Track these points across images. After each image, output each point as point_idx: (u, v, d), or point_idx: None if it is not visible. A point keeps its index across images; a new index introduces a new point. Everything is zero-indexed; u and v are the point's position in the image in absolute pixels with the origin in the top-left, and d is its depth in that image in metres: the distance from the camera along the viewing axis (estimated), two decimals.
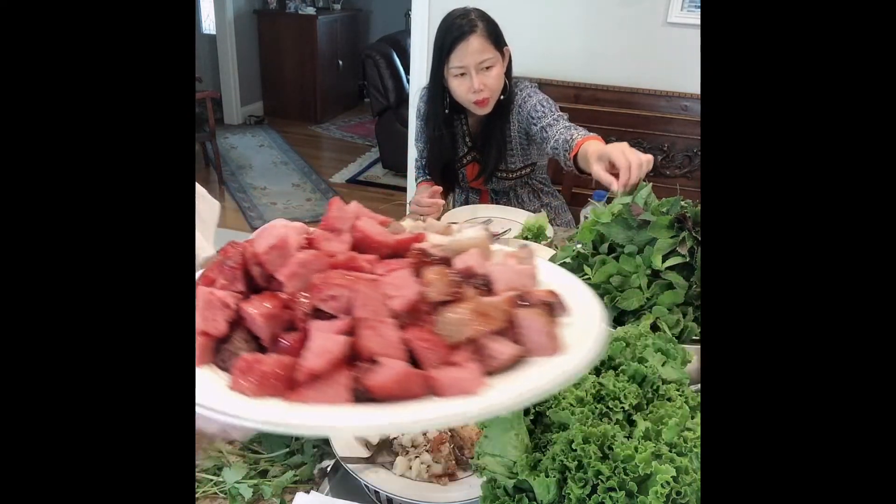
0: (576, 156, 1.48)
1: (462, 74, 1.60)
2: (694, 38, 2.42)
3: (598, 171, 1.30)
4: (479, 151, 1.80)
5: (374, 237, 0.47)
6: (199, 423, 0.39)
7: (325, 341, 0.38)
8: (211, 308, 0.42)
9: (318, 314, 0.41)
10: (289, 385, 0.38)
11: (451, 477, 0.82)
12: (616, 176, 1.26)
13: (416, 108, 1.86)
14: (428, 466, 0.82)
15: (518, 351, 0.42)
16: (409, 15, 3.08)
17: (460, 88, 1.63)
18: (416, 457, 0.83)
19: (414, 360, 0.39)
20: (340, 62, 6.02)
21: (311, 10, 5.64)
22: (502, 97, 1.68)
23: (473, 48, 1.56)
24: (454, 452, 0.84)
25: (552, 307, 0.45)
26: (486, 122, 1.75)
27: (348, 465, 0.80)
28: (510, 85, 1.70)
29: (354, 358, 0.39)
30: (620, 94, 2.55)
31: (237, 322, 0.42)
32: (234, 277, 0.44)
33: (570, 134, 1.53)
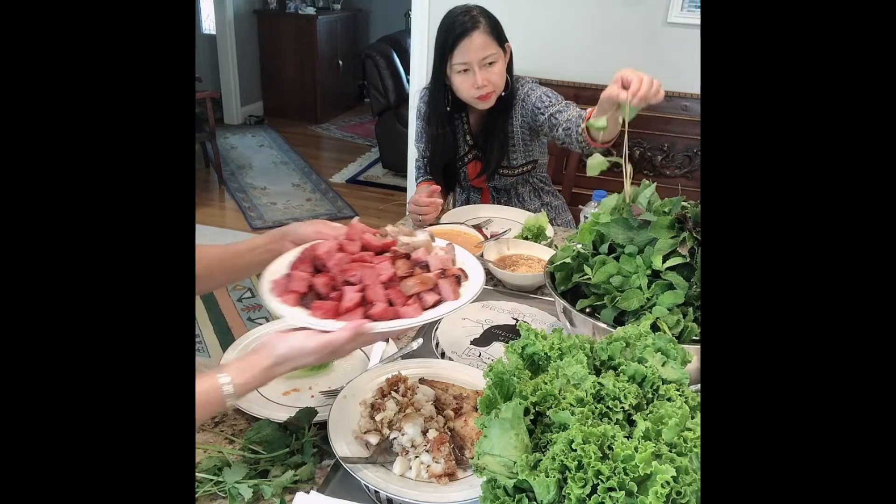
0: (588, 121, 1.47)
1: (465, 71, 1.62)
2: (694, 38, 2.42)
3: (609, 89, 1.28)
4: (481, 149, 1.80)
5: (371, 243, 0.93)
6: (330, 337, 0.77)
7: (351, 295, 0.83)
8: (298, 280, 0.86)
9: (347, 283, 0.85)
10: (336, 314, 0.81)
11: (451, 477, 0.82)
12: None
13: (416, 108, 1.87)
14: (428, 466, 0.82)
15: (437, 298, 0.85)
16: (409, 15, 3.08)
17: (464, 85, 1.64)
18: (416, 457, 0.83)
19: (391, 303, 0.83)
20: (340, 62, 6.02)
21: (311, 10, 5.64)
22: (503, 93, 1.70)
23: (477, 44, 1.58)
24: (454, 452, 0.84)
25: (458, 277, 0.89)
26: (488, 119, 1.76)
27: (348, 465, 0.80)
28: (511, 81, 1.72)
29: (365, 303, 0.83)
30: None
31: (311, 286, 0.86)
32: (307, 266, 0.90)
33: (583, 111, 1.54)
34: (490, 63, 1.61)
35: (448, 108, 1.75)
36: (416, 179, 1.92)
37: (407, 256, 0.89)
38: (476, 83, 1.61)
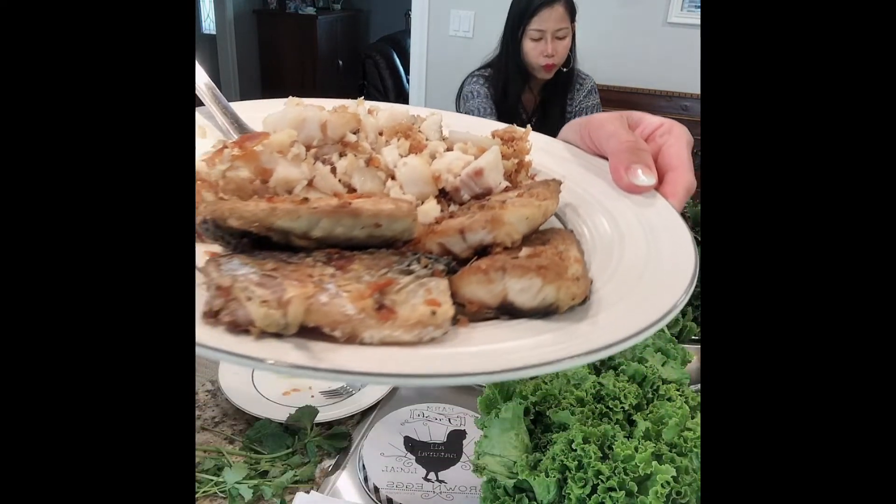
0: None
1: (539, 39, 1.76)
2: (694, 38, 2.42)
3: None
4: (537, 128, 1.87)
5: None
6: None
7: None
8: None
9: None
10: None
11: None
12: None
13: (470, 91, 1.91)
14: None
15: None
16: (409, 15, 3.08)
17: (534, 51, 1.78)
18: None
19: None
20: (340, 62, 6.01)
21: (311, 10, 5.64)
22: (564, 69, 1.84)
23: (556, 15, 1.74)
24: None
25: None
26: (544, 95, 1.88)
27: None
28: (573, 59, 1.86)
29: None
30: (620, 94, 2.55)
31: None
32: None
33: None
34: (561, 37, 1.75)
35: (517, 75, 1.85)
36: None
37: None
38: (546, 51, 1.75)
